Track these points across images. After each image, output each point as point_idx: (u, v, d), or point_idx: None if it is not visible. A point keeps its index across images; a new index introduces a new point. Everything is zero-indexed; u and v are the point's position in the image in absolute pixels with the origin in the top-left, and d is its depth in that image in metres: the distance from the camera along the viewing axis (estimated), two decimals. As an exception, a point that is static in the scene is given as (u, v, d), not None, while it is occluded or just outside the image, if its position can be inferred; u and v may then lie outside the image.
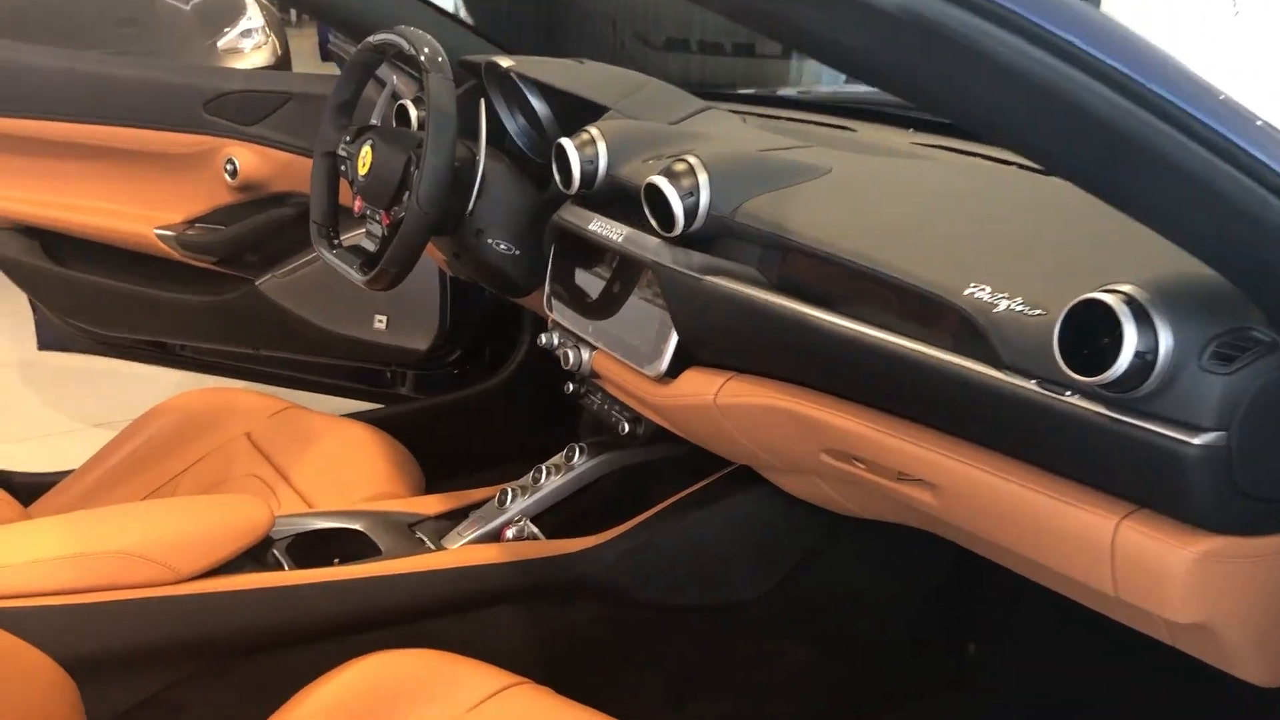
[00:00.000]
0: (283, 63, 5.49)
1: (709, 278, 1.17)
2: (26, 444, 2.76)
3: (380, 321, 2.14)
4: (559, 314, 1.44)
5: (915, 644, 1.51)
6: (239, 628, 1.16)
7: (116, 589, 1.08)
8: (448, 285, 2.11)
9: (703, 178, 1.18)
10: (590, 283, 1.40)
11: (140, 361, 2.48)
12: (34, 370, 3.07)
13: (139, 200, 2.20)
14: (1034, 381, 0.90)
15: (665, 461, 1.44)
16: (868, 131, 1.53)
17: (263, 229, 2.15)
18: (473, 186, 1.48)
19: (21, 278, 2.34)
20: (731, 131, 1.46)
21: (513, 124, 1.67)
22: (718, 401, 1.19)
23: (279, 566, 1.24)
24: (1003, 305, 0.93)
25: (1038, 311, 0.91)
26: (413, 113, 1.68)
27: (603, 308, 1.37)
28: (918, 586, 1.48)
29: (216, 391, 1.77)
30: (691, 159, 1.19)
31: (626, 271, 1.34)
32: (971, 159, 1.33)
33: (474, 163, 1.49)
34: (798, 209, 1.16)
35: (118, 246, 2.24)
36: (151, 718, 1.13)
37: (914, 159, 1.33)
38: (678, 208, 1.17)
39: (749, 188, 1.20)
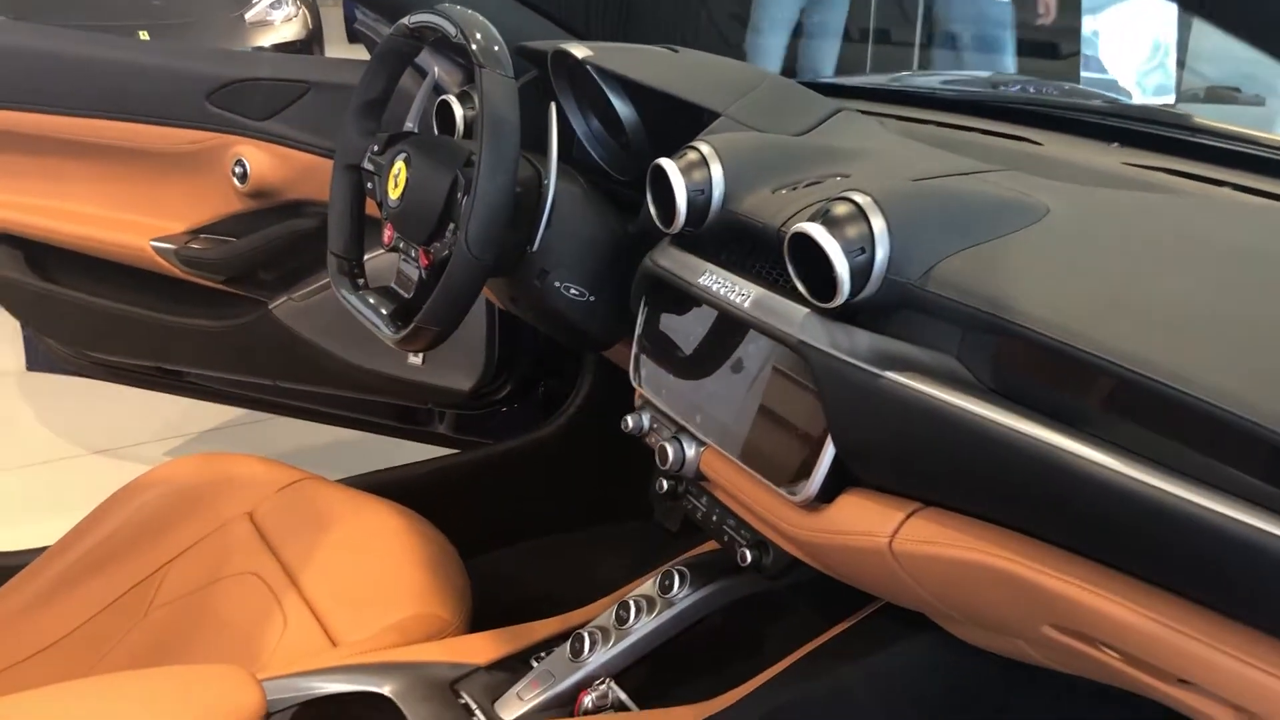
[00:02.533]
0: (314, 36, 5.17)
1: (889, 374, 0.81)
2: (19, 473, 2.45)
3: (416, 356, 1.79)
4: (651, 390, 1.08)
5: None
6: None
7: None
8: (496, 313, 1.76)
9: (878, 225, 0.82)
10: (690, 343, 1.05)
11: (142, 387, 2.15)
12: (29, 384, 2.76)
13: (132, 206, 1.86)
14: None
15: (790, 589, 1.09)
16: (1057, 145, 1.15)
17: (277, 243, 1.81)
18: (538, 217, 1.13)
19: (2, 295, 2.01)
20: (884, 146, 1.10)
21: (586, 130, 1.31)
22: (895, 548, 0.83)
23: (273, 763, 0.90)
24: None
25: None
26: (458, 112, 1.32)
27: (708, 376, 1.02)
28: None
29: (213, 458, 1.43)
30: (859, 198, 0.83)
31: (736, 333, 0.98)
32: (1236, 194, 0.96)
33: (539, 186, 1.14)
34: (1019, 274, 0.80)
35: (109, 260, 1.91)
36: None
37: (1155, 192, 0.96)
38: (842, 269, 0.81)
39: (944, 240, 0.83)
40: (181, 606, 1.27)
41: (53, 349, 2.16)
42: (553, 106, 1.14)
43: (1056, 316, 0.75)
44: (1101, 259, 0.81)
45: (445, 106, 1.34)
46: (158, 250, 1.84)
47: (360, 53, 1.85)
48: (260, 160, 1.74)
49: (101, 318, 1.96)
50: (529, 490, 1.76)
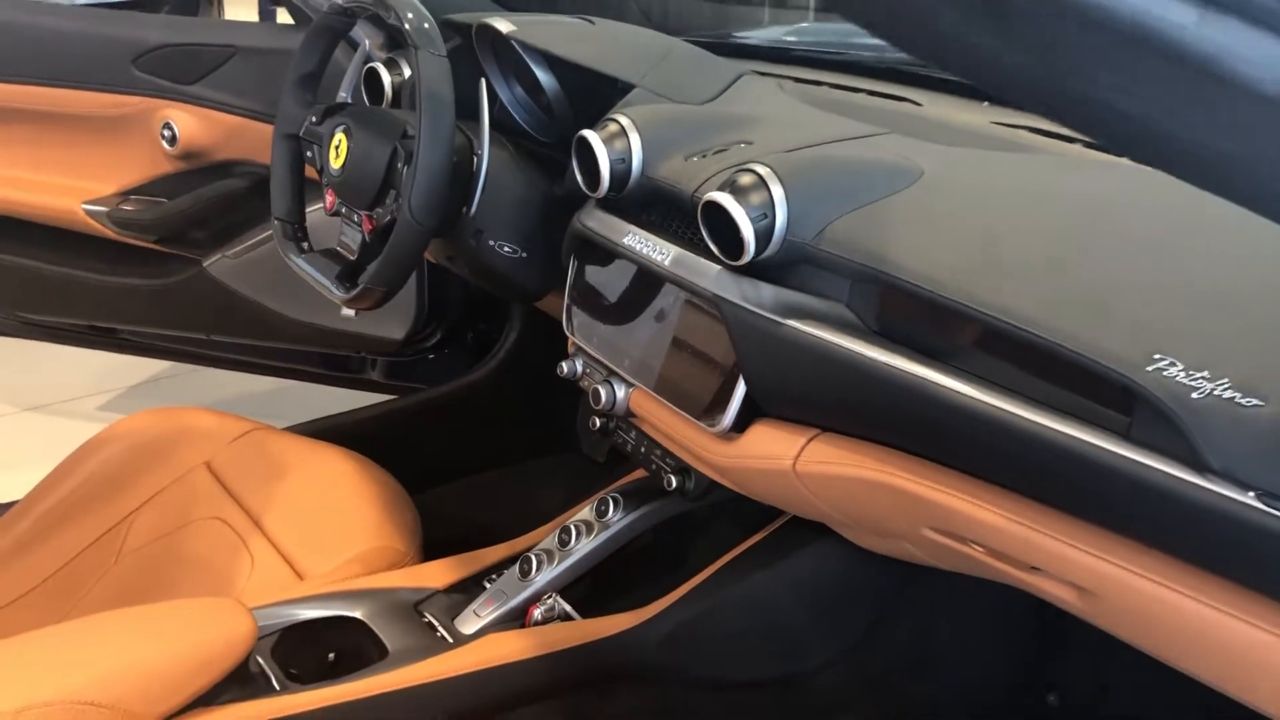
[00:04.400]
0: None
1: (790, 322, 0.94)
2: (-49, 434, 2.48)
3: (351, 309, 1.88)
4: (582, 338, 1.20)
5: (992, 697, 1.34)
6: (223, 777, 0.95)
7: (66, 750, 0.86)
8: (425, 266, 1.85)
9: (777, 193, 0.95)
10: (616, 295, 1.17)
11: (77, 345, 2.21)
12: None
13: (62, 170, 1.91)
14: (1252, 494, 0.70)
15: (710, 507, 1.23)
16: (935, 105, 1.29)
17: (209, 203, 1.87)
18: (473, 183, 1.24)
19: (-75, 259, 2.04)
20: (782, 111, 1.22)
21: (510, 97, 1.41)
22: (798, 469, 0.98)
23: (265, 679, 1.02)
24: (1204, 389, 0.72)
25: (1254, 402, 0.71)
26: (385, 79, 1.41)
27: (634, 324, 1.14)
28: (997, 636, 1.30)
29: (169, 412, 1.52)
30: (761, 169, 0.96)
31: (657, 286, 1.11)
32: (1087, 151, 1.10)
33: (471, 153, 1.24)
34: (897, 232, 0.94)
35: (39, 223, 1.95)
36: None
37: (1016, 152, 1.11)
38: (748, 233, 0.94)
39: (833, 204, 0.97)
40: (151, 552, 1.36)
41: (-19, 311, 2.19)
42: (483, 83, 1.24)
43: (925, 269, 0.89)
44: (964, 216, 0.95)
45: (373, 74, 1.43)
46: (89, 213, 1.89)
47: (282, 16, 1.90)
48: (189, 123, 1.80)
49: (34, 280, 2.01)
50: (466, 430, 1.88)
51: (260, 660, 1.04)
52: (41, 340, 2.20)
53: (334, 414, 1.79)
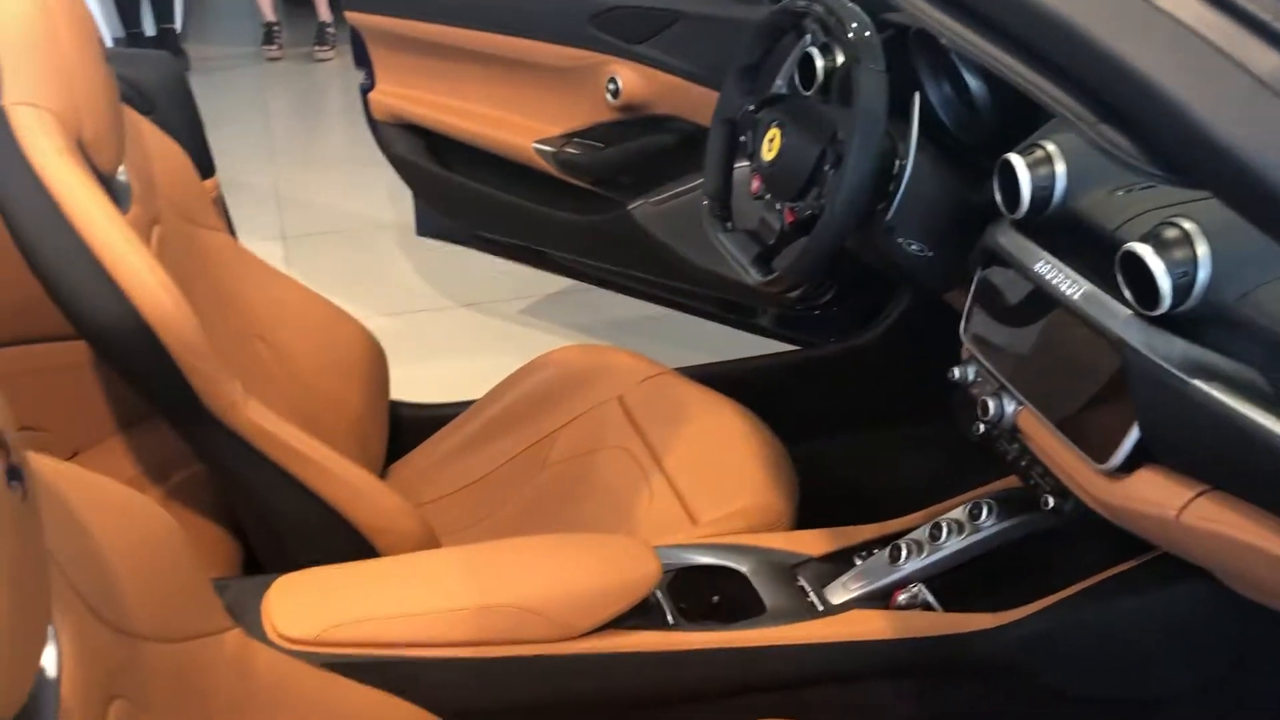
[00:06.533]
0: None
1: (1196, 382, 0.96)
2: (398, 318, 2.91)
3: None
4: (977, 347, 1.26)
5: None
6: (623, 689, 1.13)
7: (513, 644, 1.07)
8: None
9: (1202, 251, 0.96)
10: (1017, 314, 1.21)
11: (513, 260, 2.52)
12: (412, 238, 3.21)
13: (520, 110, 2.18)
14: None
15: (1083, 526, 1.26)
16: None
17: (640, 153, 2.07)
18: (892, 185, 1.31)
19: (406, 175, 2.41)
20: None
21: (937, 95, 1.45)
22: (1181, 520, 1.00)
23: (661, 612, 1.19)
24: None
25: None
26: (818, 63, 1.50)
27: (1031, 346, 1.18)
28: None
29: (593, 350, 1.74)
30: (1187, 224, 0.97)
31: (1062, 314, 1.14)
32: None
33: (894, 155, 1.31)
34: (1327, 307, 0.92)
35: (495, 154, 2.24)
36: None
37: None
38: (1165, 286, 0.96)
39: (1261, 267, 0.96)
40: (567, 468, 1.59)
41: (441, 220, 2.55)
42: (916, 97, 1.30)
43: None
44: None
45: (807, 57, 1.52)
46: (539, 152, 2.14)
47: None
48: (631, 79, 1.99)
49: (488, 202, 2.31)
50: (843, 390, 1.98)
51: (658, 594, 1.22)
52: (484, 251, 2.53)
53: (722, 361, 1.95)
